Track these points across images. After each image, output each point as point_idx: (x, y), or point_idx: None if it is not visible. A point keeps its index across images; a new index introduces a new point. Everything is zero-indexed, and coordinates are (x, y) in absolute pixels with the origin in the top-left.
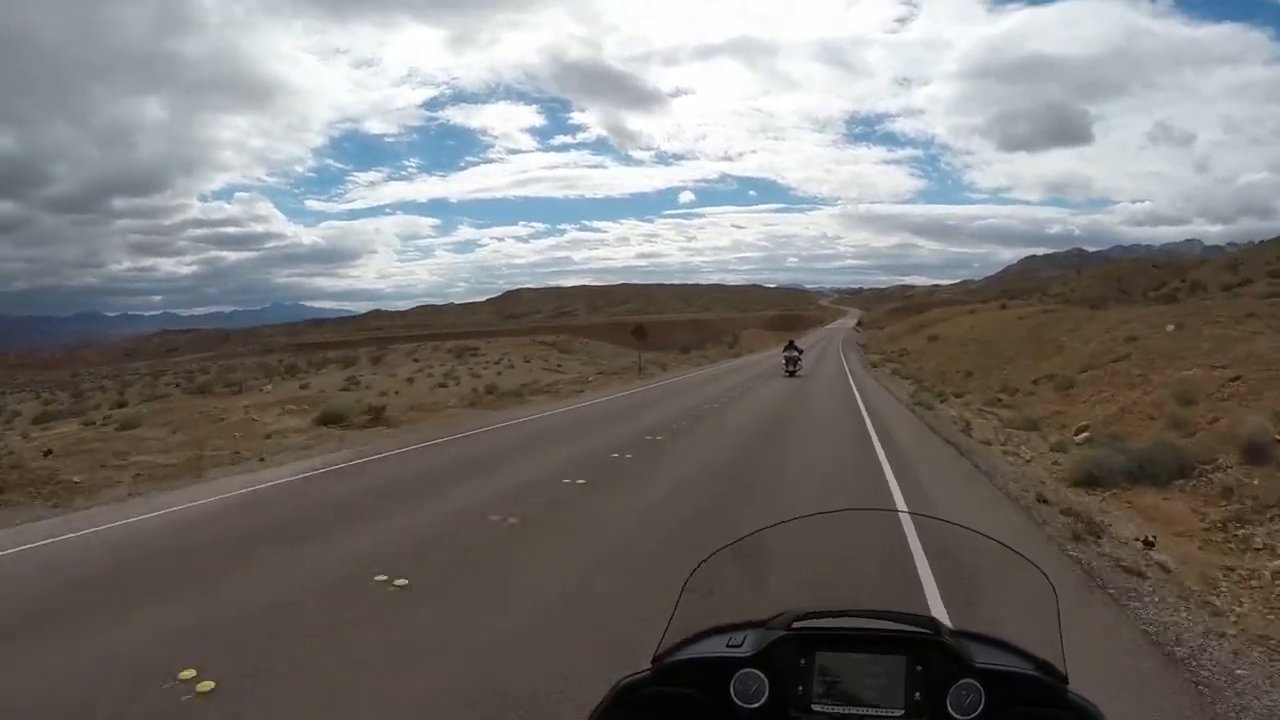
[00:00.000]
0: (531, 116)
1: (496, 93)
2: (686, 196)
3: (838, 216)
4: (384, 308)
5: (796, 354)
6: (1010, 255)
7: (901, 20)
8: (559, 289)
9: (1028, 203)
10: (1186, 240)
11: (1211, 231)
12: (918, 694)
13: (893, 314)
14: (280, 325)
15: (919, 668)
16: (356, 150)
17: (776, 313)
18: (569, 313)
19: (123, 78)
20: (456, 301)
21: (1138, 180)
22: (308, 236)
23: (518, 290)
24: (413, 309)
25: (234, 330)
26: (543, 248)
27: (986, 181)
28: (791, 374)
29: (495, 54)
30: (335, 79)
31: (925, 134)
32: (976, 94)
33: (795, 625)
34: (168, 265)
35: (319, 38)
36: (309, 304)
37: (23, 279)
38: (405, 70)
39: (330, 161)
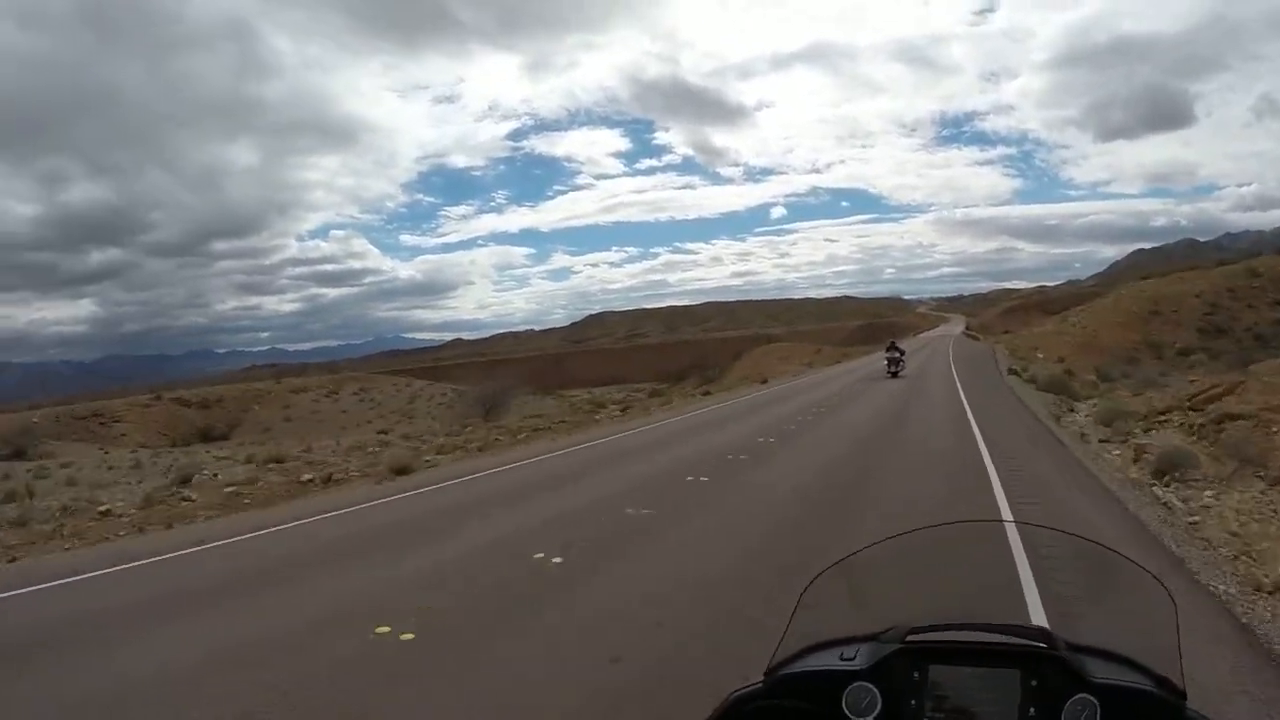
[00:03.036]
0: (615, 140)
1: (578, 118)
2: (778, 212)
3: (932, 223)
4: (466, 336)
5: (899, 354)
6: (1114, 252)
7: (982, 12)
8: (640, 311)
9: (1129, 196)
10: None
11: None
12: (1032, 709)
13: (1007, 315)
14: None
15: (1033, 682)
16: (445, 184)
17: (863, 322)
18: (640, 334)
19: (209, 125)
20: (555, 326)
21: (1243, 162)
22: (404, 271)
23: (601, 314)
24: (490, 336)
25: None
26: (636, 272)
27: (1085, 176)
28: (894, 375)
29: (573, 78)
30: (417, 114)
31: (1017, 130)
32: (1067, 83)
33: (908, 639)
34: (271, 303)
35: (397, 74)
36: (409, 335)
37: (134, 321)
38: (485, 102)
39: (420, 196)
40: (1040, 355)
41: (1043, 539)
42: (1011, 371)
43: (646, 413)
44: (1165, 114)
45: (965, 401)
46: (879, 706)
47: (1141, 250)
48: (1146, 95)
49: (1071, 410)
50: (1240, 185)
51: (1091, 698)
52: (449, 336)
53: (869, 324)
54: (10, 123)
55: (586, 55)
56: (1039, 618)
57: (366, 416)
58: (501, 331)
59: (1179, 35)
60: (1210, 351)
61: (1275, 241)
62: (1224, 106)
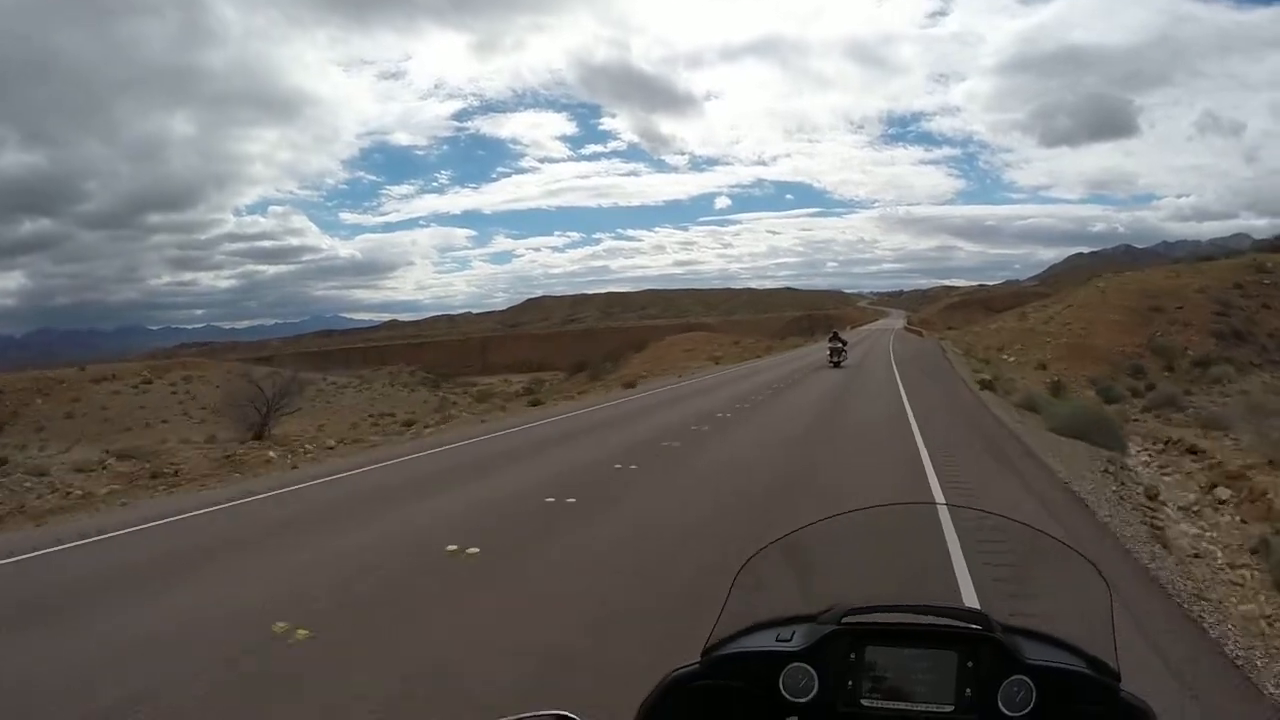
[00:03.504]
0: (561, 123)
1: (524, 99)
2: (722, 202)
3: (876, 220)
4: (402, 318)
5: (841, 344)
6: (1052, 255)
7: (934, 15)
8: (580, 296)
9: (1069, 201)
10: (1235, 234)
11: (1260, 225)
12: (968, 690)
13: (949, 311)
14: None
15: (969, 663)
16: (387, 162)
17: (800, 313)
18: (576, 319)
19: (149, 93)
20: (494, 310)
21: (1182, 174)
22: (344, 250)
23: (540, 298)
24: (426, 318)
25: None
26: (579, 257)
27: (1027, 180)
28: (837, 364)
29: (521, 59)
30: (362, 90)
31: (963, 132)
32: (1015, 88)
33: (845, 620)
34: (207, 279)
35: (343, 48)
36: (348, 316)
37: (64, 294)
38: (432, 80)
39: (362, 174)
40: (1008, 358)
41: (979, 524)
42: (984, 385)
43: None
44: (1109, 124)
45: (927, 461)
46: (816, 687)
47: (1080, 254)
48: (1092, 104)
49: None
50: (1179, 196)
51: (1027, 679)
52: (387, 317)
53: (806, 315)
54: None
55: (536, 37)
56: (973, 600)
57: (162, 415)
58: (438, 314)
59: (1127, 48)
60: (1234, 363)
61: (1211, 251)
62: (1167, 120)
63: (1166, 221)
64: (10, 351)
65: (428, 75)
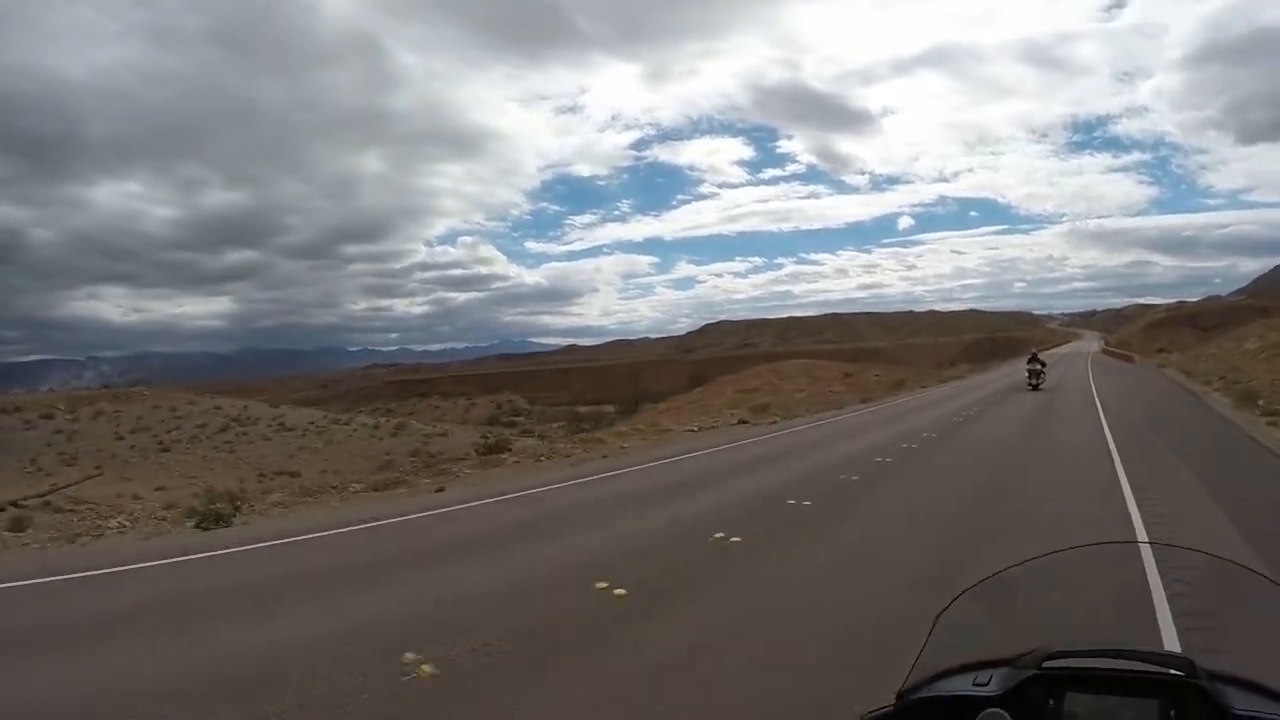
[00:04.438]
0: (738, 148)
1: (699, 126)
2: (905, 222)
3: (1064, 235)
4: (582, 343)
5: (1040, 366)
6: (1256, 266)
7: (1110, 8)
8: (758, 321)
9: (1273, 204)
10: None
11: None
12: None
13: (1150, 330)
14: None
15: (1172, 712)
16: (569, 193)
17: (979, 336)
18: (749, 345)
19: (340, 135)
20: (674, 334)
21: None
22: (530, 277)
23: (716, 323)
24: (604, 344)
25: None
26: (761, 282)
27: (1224, 183)
28: (1035, 387)
29: (693, 86)
30: (540, 124)
31: (1153, 134)
32: (1206, 81)
33: (1045, 665)
34: (401, 305)
35: (519, 84)
36: (535, 340)
37: (268, 318)
38: (608, 112)
39: (545, 204)
40: None
41: (1182, 561)
42: None
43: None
44: None
45: None
46: None
47: None
48: None
49: None
50: None
51: None
52: (569, 342)
53: (986, 338)
54: (150, 135)
55: (706, 63)
56: (1175, 644)
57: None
58: (615, 339)
59: None
60: None
61: None
62: None
63: None
64: (218, 367)
65: (603, 107)
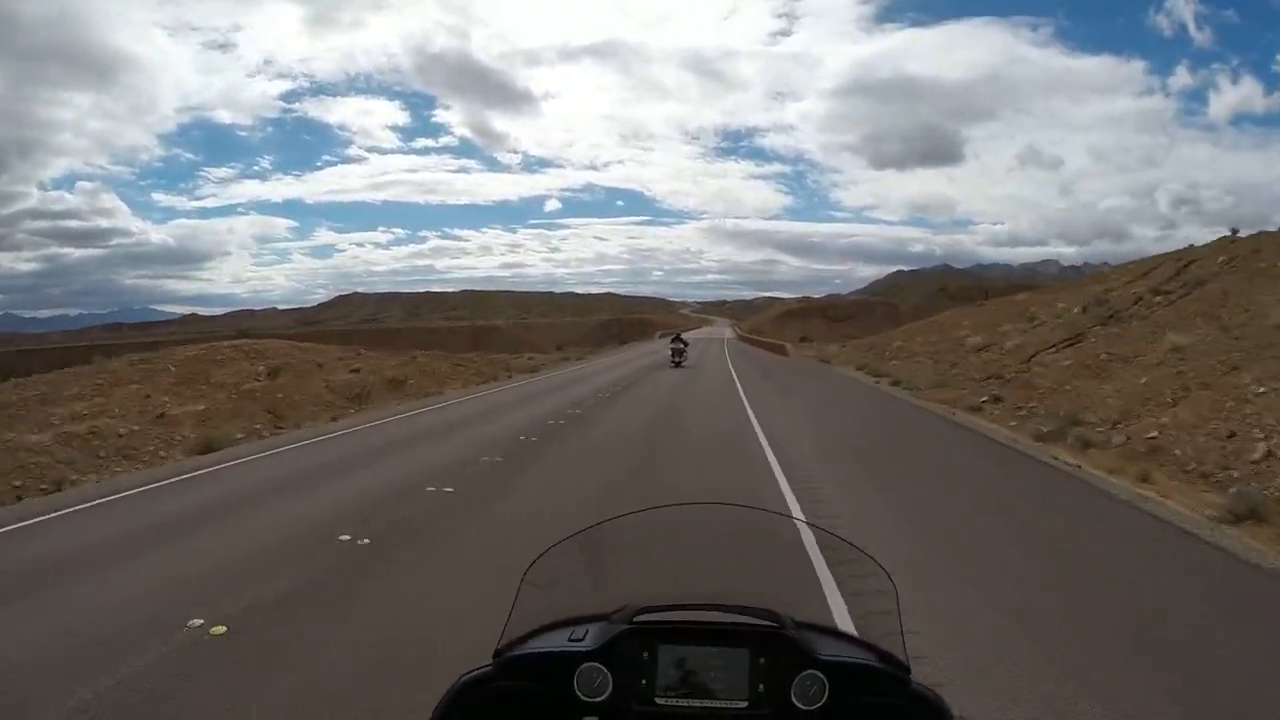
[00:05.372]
0: (393, 112)
1: (356, 83)
2: (552, 205)
3: (703, 231)
4: (203, 312)
5: (683, 345)
6: (873, 271)
7: (778, 35)
8: (389, 295)
9: (890, 222)
10: (1044, 260)
11: (1068, 252)
12: (761, 686)
13: (783, 319)
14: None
15: (762, 660)
16: (207, 141)
17: (609, 317)
18: (378, 320)
19: None
20: (305, 306)
21: (999, 203)
22: (156, 235)
23: (349, 295)
24: (227, 313)
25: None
26: (404, 255)
27: (852, 200)
28: (678, 364)
29: (357, 39)
30: (186, 58)
31: (795, 150)
32: (849, 112)
33: (637, 619)
34: (5, 260)
35: (171, 9)
36: (159, 308)
37: None
38: (261, 55)
39: (179, 151)
40: None
41: (775, 524)
42: None
43: None
44: (936, 152)
45: None
46: (611, 687)
47: (901, 271)
48: (922, 132)
49: None
50: (994, 223)
51: (819, 674)
52: (204, 311)
53: (614, 320)
54: None
55: (375, 16)
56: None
57: None
58: (239, 309)
59: (960, 82)
60: None
61: (1022, 275)
62: (990, 152)
63: (981, 246)
64: None
65: (257, 49)
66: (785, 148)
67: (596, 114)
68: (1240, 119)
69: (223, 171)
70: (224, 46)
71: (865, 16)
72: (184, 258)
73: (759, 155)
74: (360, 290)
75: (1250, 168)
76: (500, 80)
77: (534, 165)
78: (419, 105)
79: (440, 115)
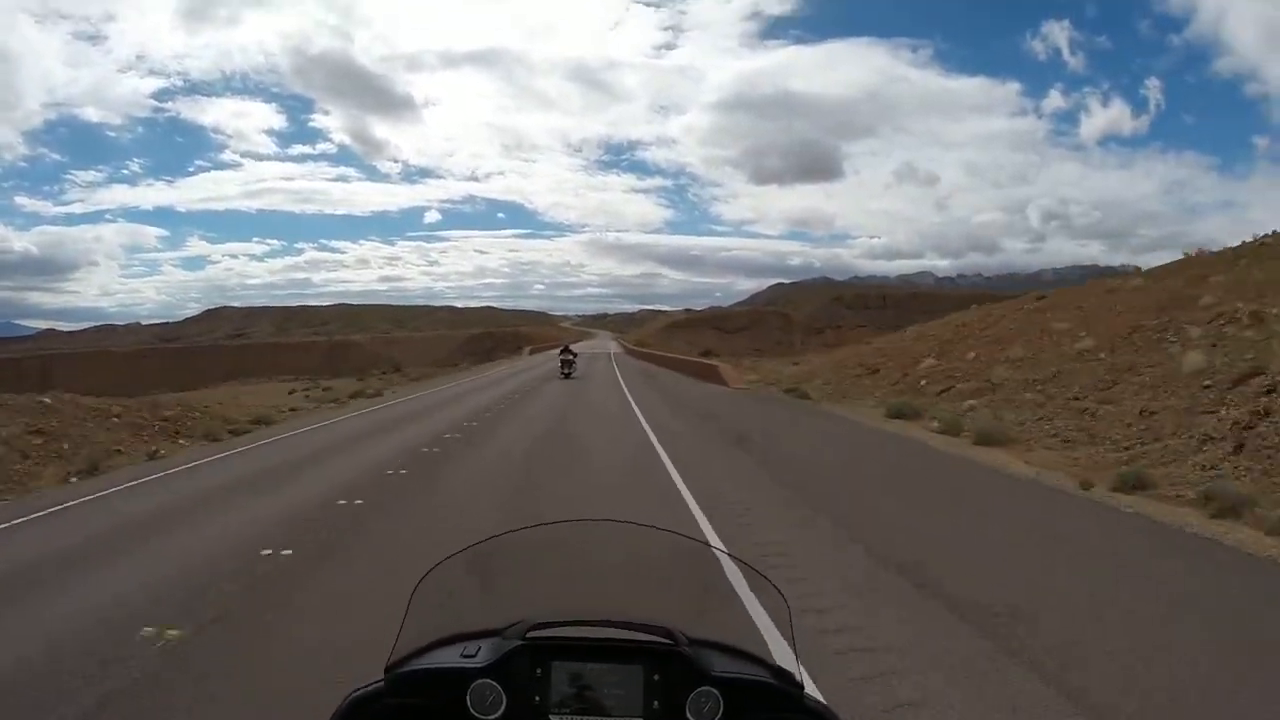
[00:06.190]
0: (269, 115)
1: (232, 83)
2: (432, 217)
3: (584, 244)
4: (61, 327)
5: (572, 357)
6: (753, 284)
7: (662, 48)
8: (257, 309)
9: (770, 236)
10: (920, 272)
11: (942, 265)
12: (656, 702)
13: (669, 331)
14: None
15: (656, 676)
16: (74, 141)
17: (480, 331)
18: (242, 335)
19: None
20: (172, 321)
21: (877, 217)
22: (19, 242)
23: (216, 309)
24: (87, 329)
25: None
26: (280, 268)
27: (733, 214)
28: (567, 375)
29: (234, 36)
30: (54, 48)
31: (677, 164)
32: (731, 126)
33: (530, 635)
34: None
35: None
36: (23, 323)
37: None
38: (134, 50)
39: (45, 151)
40: None
41: (675, 544)
42: None
43: None
44: (816, 167)
45: None
46: (504, 704)
47: (781, 284)
48: (802, 148)
49: None
50: (871, 237)
51: (714, 690)
52: (68, 326)
53: (487, 333)
54: None
55: (253, 12)
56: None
57: None
58: (100, 324)
59: (841, 100)
60: None
61: (897, 286)
62: (869, 168)
63: (859, 259)
64: None
65: (130, 42)
66: (667, 161)
67: (479, 122)
68: (1108, 140)
69: (90, 174)
70: (94, 38)
71: (750, 33)
72: (49, 268)
73: (641, 169)
74: (233, 305)
75: (1115, 185)
76: (381, 85)
77: (414, 175)
78: (297, 109)
79: (319, 120)
